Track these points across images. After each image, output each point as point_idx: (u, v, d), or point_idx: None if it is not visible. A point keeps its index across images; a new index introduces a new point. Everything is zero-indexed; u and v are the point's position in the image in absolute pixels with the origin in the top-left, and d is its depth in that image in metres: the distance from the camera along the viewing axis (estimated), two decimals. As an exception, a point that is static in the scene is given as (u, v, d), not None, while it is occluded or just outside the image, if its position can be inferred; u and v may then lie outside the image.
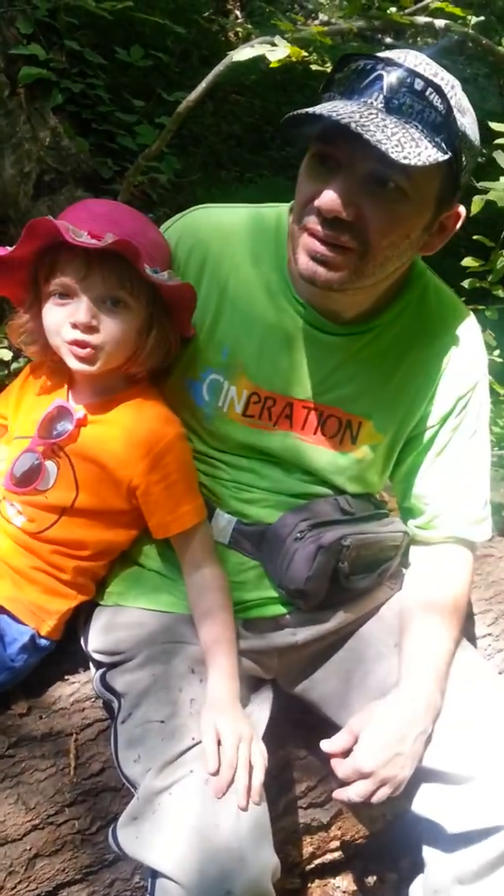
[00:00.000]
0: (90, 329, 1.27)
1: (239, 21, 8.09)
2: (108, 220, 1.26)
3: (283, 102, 6.75)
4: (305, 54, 2.12)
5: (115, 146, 3.57)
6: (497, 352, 2.65)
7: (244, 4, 8.60)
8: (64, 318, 1.27)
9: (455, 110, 1.21)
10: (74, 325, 1.26)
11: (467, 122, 1.25)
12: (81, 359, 1.29)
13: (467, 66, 8.39)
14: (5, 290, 1.35)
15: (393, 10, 2.65)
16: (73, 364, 1.30)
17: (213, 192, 4.99)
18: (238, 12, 8.20)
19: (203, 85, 2.71)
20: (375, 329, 1.44)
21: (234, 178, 6.06)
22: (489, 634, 1.96)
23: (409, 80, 1.19)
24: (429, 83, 1.20)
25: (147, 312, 1.32)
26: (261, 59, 2.22)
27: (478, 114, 1.30)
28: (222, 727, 1.25)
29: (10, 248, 1.28)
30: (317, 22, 3.01)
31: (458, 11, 2.51)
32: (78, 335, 1.27)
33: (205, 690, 1.31)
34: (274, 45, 2.08)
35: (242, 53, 2.16)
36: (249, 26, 7.93)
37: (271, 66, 2.04)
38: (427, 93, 1.20)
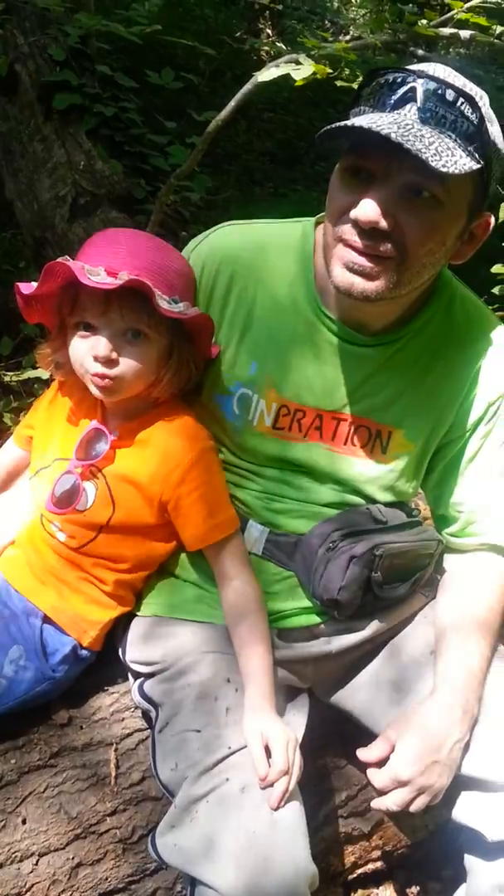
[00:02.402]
0: (110, 362, 1.31)
1: (270, 39, 8.16)
2: (127, 254, 1.29)
3: (314, 118, 6.80)
4: (331, 71, 2.14)
5: (147, 167, 3.63)
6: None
7: (275, 23, 8.68)
8: (86, 351, 1.31)
9: (486, 120, 1.23)
10: (96, 359, 1.30)
11: (495, 131, 1.26)
12: (103, 388, 1.33)
13: (501, 75, 8.36)
14: (38, 318, 1.40)
15: (423, 22, 2.66)
16: (96, 393, 1.35)
17: (246, 209, 5.03)
18: (269, 31, 8.28)
19: (232, 104, 2.76)
20: (403, 338, 1.44)
21: (268, 194, 6.12)
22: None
23: (440, 91, 1.20)
24: (460, 93, 1.21)
25: (167, 341, 1.35)
26: (291, 76, 2.25)
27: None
28: (270, 732, 1.27)
29: (34, 285, 1.32)
30: (346, 38, 3.03)
31: (482, 21, 2.52)
32: (99, 368, 1.31)
33: (241, 700, 1.33)
34: (299, 63, 2.11)
35: (267, 73, 2.19)
36: (280, 45, 8.00)
37: (297, 84, 2.06)
38: (459, 103, 1.21)
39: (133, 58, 3.80)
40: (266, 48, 7.85)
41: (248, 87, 2.52)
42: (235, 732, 1.29)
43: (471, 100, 1.21)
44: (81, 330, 1.32)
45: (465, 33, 2.60)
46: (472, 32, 2.61)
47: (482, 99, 1.24)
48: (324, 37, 2.78)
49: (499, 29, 2.58)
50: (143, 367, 1.33)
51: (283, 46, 7.86)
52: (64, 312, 1.34)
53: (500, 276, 2.40)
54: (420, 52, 3.15)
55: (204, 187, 3.58)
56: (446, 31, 2.62)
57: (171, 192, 3.15)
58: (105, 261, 1.27)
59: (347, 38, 2.91)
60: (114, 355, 1.30)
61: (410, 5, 2.63)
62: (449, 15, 2.62)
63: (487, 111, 1.25)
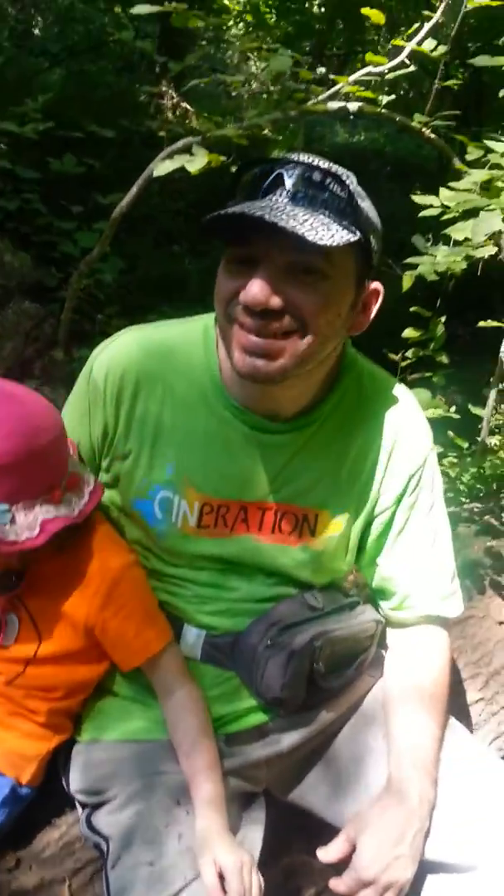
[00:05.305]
0: None
1: (174, 101, 8.30)
2: None
3: (226, 174, 6.96)
4: (225, 158, 2.18)
5: (57, 254, 3.64)
6: (454, 408, 2.68)
7: (178, 84, 8.84)
8: None
9: (355, 195, 1.27)
10: None
11: (367, 206, 1.30)
12: None
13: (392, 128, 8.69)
14: None
15: (325, 94, 2.72)
16: None
17: (167, 275, 5.07)
18: (172, 92, 8.41)
19: (134, 190, 2.80)
20: (317, 421, 1.45)
21: (187, 251, 6.20)
22: (481, 699, 1.93)
23: (307, 175, 1.24)
24: (326, 173, 1.25)
25: None
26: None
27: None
28: (222, 859, 1.22)
29: None
30: (250, 89, 3.05)
31: (369, 94, 2.60)
32: None
33: (192, 823, 1.28)
34: (192, 154, 2.15)
35: (162, 167, 2.22)
36: (185, 104, 8.18)
37: (192, 174, 2.10)
38: (327, 182, 1.25)
39: (34, 147, 3.83)
40: (169, 113, 8.01)
41: (144, 176, 2.55)
42: (191, 860, 1.24)
43: (337, 178, 1.25)
44: None
45: (352, 106, 2.68)
46: (360, 104, 2.70)
47: (349, 178, 1.29)
48: (217, 120, 2.84)
49: (385, 99, 2.68)
50: None
51: (187, 107, 8.04)
52: None
53: (411, 339, 2.46)
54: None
55: (117, 269, 3.60)
56: (335, 104, 2.70)
57: (83, 278, 3.16)
58: None
59: (253, 86, 2.97)
60: None
61: (302, 84, 2.70)
62: (335, 89, 2.71)
63: (356, 188, 1.29)
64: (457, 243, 2.08)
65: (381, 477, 1.49)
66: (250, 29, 11.78)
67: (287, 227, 1.16)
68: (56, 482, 1.27)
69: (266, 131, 2.67)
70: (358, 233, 1.25)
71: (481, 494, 2.66)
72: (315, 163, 1.26)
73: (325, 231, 1.20)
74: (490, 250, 1.99)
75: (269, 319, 1.24)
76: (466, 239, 1.98)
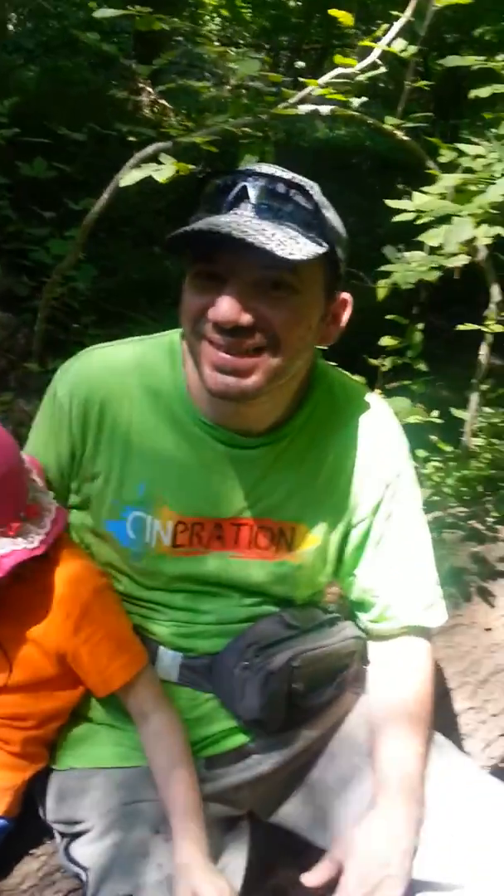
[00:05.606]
0: None
1: (151, 97, 8.26)
2: None
3: (206, 173, 6.91)
4: (194, 167, 2.15)
5: (28, 262, 3.58)
6: (436, 412, 2.65)
7: (154, 81, 8.80)
8: None
9: (321, 206, 1.26)
10: None
11: (332, 216, 1.30)
12: None
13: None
14: None
15: (296, 97, 2.68)
16: None
17: (148, 276, 4.98)
18: (150, 89, 8.38)
19: (105, 196, 2.76)
20: (289, 434, 1.43)
21: (167, 254, 6.16)
22: (470, 708, 1.91)
23: (271, 186, 1.24)
24: (291, 185, 1.25)
25: None
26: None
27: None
28: (200, 890, 1.19)
29: None
30: (226, 87, 3.02)
31: (340, 97, 2.58)
32: None
33: (171, 852, 1.26)
34: (160, 162, 2.12)
35: (128, 177, 2.19)
36: (163, 102, 8.13)
37: (162, 182, 2.07)
38: (291, 194, 1.24)
39: (3, 151, 3.78)
40: (147, 110, 7.95)
41: (111, 187, 2.53)
42: (170, 891, 1.21)
43: (302, 189, 1.25)
44: None
45: (324, 109, 2.66)
46: (332, 107, 2.67)
47: (313, 188, 1.28)
48: (187, 125, 2.80)
49: (356, 102, 2.65)
50: None
51: (165, 104, 7.98)
52: None
53: (389, 347, 2.44)
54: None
55: (90, 277, 3.55)
56: (306, 107, 2.67)
57: (56, 287, 3.12)
58: None
59: (228, 87, 2.94)
60: None
61: (273, 87, 2.68)
62: (306, 91, 2.68)
63: (320, 198, 1.28)
64: (432, 249, 2.06)
65: (356, 487, 1.47)
66: (226, 24, 11.72)
67: (255, 243, 1.15)
68: (12, 516, 1.26)
69: (245, 128, 2.63)
70: (325, 244, 1.24)
71: (466, 498, 2.64)
72: (278, 174, 1.25)
73: (293, 245, 1.19)
74: (463, 259, 1.97)
75: (239, 337, 1.22)
76: (441, 244, 1.96)
